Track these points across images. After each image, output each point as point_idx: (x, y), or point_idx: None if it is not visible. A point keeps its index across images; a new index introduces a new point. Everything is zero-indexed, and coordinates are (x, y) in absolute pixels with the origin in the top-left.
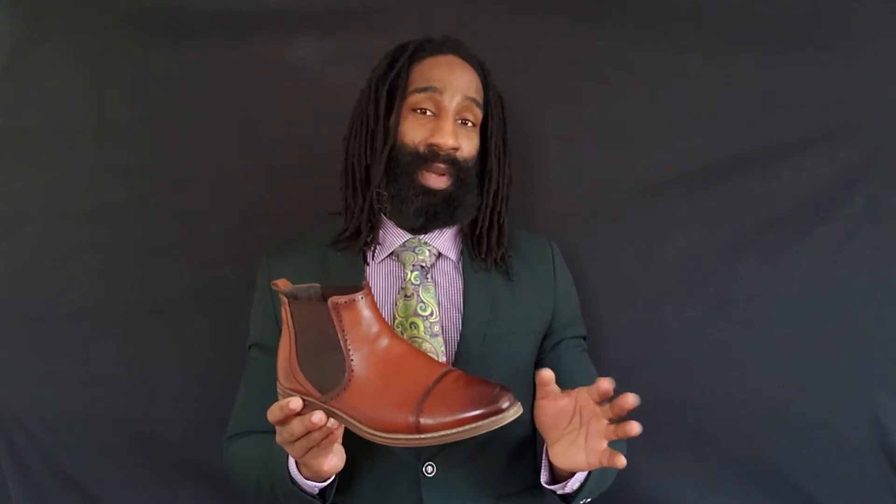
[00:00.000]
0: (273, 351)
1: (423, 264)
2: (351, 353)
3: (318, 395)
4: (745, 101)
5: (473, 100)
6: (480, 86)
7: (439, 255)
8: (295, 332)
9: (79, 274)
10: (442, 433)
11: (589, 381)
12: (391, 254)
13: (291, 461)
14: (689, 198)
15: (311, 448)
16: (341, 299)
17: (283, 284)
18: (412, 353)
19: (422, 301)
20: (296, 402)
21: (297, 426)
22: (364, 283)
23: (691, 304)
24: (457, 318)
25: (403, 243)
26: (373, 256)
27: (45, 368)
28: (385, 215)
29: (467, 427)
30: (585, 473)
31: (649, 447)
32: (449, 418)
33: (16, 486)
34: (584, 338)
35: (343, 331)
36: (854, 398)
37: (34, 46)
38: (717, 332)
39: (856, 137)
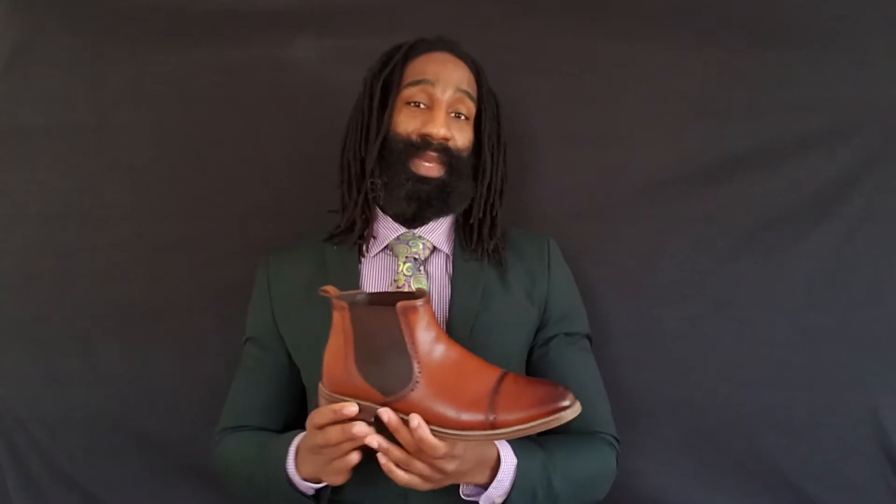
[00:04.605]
0: (268, 347)
1: (417, 256)
2: (416, 356)
3: (380, 397)
4: (745, 101)
5: (466, 92)
6: (473, 80)
7: (434, 249)
8: (354, 337)
9: (79, 274)
10: (513, 429)
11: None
12: (385, 247)
13: (290, 461)
14: (689, 198)
15: (338, 457)
16: (408, 305)
17: (332, 290)
18: (467, 356)
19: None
20: (351, 408)
21: (335, 434)
22: (424, 290)
23: (691, 303)
24: (446, 308)
25: (398, 236)
26: (367, 250)
27: (45, 368)
28: (380, 207)
29: (536, 423)
30: (509, 485)
31: (650, 447)
32: (521, 414)
33: (16, 486)
34: (588, 336)
35: (410, 334)
36: (854, 398)
37: (34, 46)
38: (717, 332)
39: (856, 137)
